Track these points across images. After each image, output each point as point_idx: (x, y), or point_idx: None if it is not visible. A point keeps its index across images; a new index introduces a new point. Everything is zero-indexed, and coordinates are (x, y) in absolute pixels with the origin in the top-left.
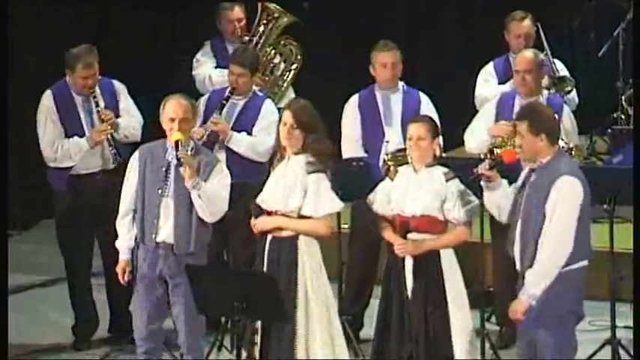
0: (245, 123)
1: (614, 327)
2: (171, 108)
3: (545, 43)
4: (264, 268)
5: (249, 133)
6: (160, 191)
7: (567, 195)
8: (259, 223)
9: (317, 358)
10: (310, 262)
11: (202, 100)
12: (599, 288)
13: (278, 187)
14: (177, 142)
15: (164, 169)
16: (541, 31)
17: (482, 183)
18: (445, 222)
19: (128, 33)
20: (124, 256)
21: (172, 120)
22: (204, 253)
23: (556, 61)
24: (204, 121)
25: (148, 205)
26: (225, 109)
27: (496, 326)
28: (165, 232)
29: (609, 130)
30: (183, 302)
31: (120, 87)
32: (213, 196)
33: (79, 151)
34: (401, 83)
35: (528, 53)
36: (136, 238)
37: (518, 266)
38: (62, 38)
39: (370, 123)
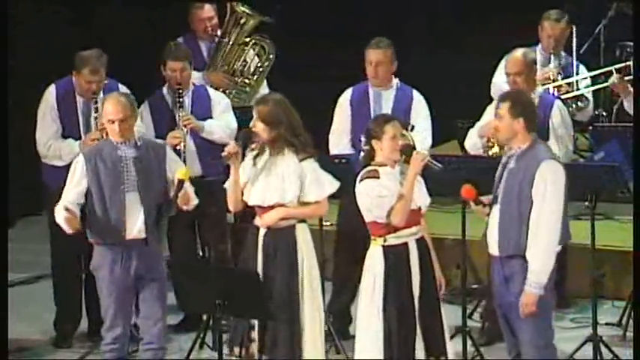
0: (201, 112)
1: (595, 324)
2: (111, 109)
3: (574, 47)
4: (260, 262)
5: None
6: (122, 187)
7: (554, 178)
8: (267, 219)
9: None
10: (307, 251)
11: (144, 106)
12: (581, 285)
13: (270, 181)
14: (181, 182)
15: (120, 165)
16: (574, 34)
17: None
18: None
19: (127, 33)
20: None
21: (112, 122)
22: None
23: (582, 67)
24: (155, 124)
25: (112, 204)
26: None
27: (477, 323)
28: (137, 227)
29: (590, 127)
30: (161, 297)
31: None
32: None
33: (71, 153)
34: (395, 80)
35: (517, 54)
36: (92, 242)
37: (495, 252)
38: (62, 38)
39: (360, 119)
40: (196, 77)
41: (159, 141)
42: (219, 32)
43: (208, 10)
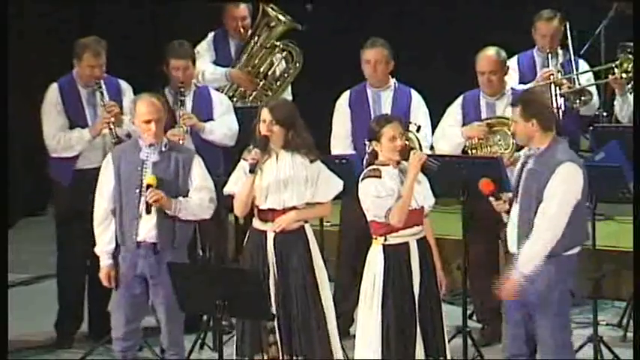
0: (203, 113)
1: (595, 324)
2: (146, 109)
3: (570, 44)
4: (272, 265)
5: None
6: (137, 190)
7: (568, 180)
8: (283, 222)
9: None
10: (316, 251)
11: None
12: (581, 286)
13: (281, 183)
14: (148, 186)
15: (139, 168)
16: (569, 31)
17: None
18: None
19: (129, 32)
20: (106, 261)
21: (148, 122)
22: (184, 249)
23: (581, 61)
24: None
25: (127, 205)
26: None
27: (477, 324)
28: (146, 230)
29: (591, 128)
30: (164, 302)
31: (125, 86)
32: (195, 206)
33: (81, 140)
34: (393, 80)
35: (490, 53)
36: (116, 239)
37: (514, 250)
38: (62, 38)
39: (360, 120)
40: (219, 73)
41: (190, 149)
42: (249, 33)
43: (243, 9)
